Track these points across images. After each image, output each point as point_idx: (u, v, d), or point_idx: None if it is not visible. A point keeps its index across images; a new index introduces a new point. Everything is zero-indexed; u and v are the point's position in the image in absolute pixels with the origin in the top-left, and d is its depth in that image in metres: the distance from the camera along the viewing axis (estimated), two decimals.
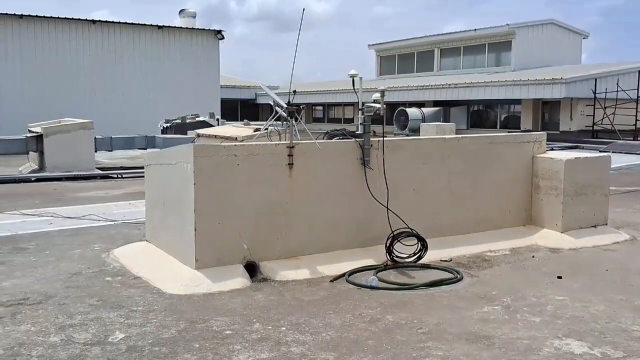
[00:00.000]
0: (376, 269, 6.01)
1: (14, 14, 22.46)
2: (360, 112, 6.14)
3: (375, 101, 6.16)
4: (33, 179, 13.98)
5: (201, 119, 21.39)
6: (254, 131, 10.73)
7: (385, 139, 6.39)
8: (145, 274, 5.95)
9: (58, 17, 23.38)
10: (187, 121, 21.13)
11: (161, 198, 6.54)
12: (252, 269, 5.86)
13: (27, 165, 15.65)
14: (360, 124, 6.14)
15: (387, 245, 6.15)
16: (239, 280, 5.64)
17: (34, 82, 22.87)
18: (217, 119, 21.93)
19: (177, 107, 23.44)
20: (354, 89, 6.12)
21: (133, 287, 5.58)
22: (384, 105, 6.06)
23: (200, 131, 12.69)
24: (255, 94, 43.67)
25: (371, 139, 6.25)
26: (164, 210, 6.47)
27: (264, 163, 5.90)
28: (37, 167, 15.04)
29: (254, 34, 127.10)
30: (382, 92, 6.01)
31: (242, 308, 4.97)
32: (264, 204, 5.92)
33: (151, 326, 4.54)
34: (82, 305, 5.00)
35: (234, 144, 6.27)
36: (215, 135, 11.16)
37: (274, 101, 9.83)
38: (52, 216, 9.10)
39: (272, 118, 10.09)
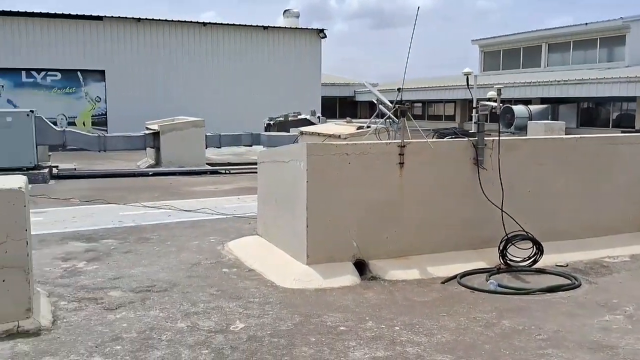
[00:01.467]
0: (489, 272, 5.88)
1: (132, 18, 23.96)
2: (474, 110, 6.02)
3: (490, 99, 6.02)
4: (150, 173, 14.87)
5: (303, 116, 21.79)
6: (357, 129, 10.82)
7: (500, 138, 6.23)
8: (258, 267, 6.18)
9: (172, 20, 24.66)
10: (290, 119, 21.60)
11: (273, 194, 6.76)
12: (361, 267, 5.92)
13: (144, 160, 16.66)
14: (475, 122, 6.02)
15: (501, 248, 6.00)
16: (349, 277, 5.72)
17: (149, 82, 24.27)
18: (319, 117, 22.24)
19: (280, 105, 24.01)
20: (468, 87, 6.00)
21: (248, 279, 5.81)
22: (501, 104, 5.91)
23: (304, 129, 12.93)
24: (354, 91, 43.81)
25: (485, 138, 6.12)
26: (276, 206, 6.68)
27: (374, 162, 5.95)
28: (153, 162, 15.97)
29: (353, 31, 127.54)
30: (499, 90, 5.86)
31: (354, 305, 5.04)
32: (373, 203, 5.96)
33: (268, 318, 4.72)
34: (204, 295, 5.28)
35: (345, 142, 6.36)
36: (319, 133, 11.33)
37: (377, 99, 9.84)
38: (170, 209, 9.65)
39: (375, 116, 10.10)
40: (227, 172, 15.71)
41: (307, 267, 5.76)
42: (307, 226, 5.74)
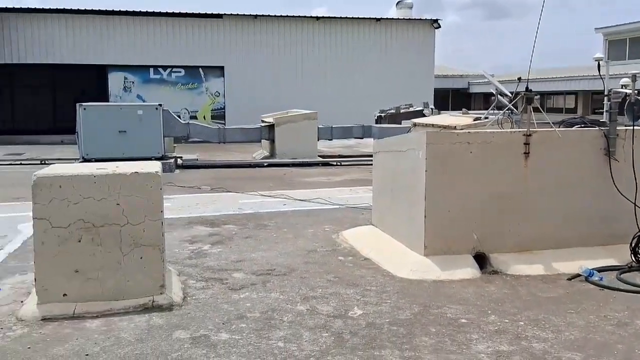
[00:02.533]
0: (619, 269, 5.51)
1: (249, 15, 24.79)
2: (606, 98, 5.64)
3: (623, 86, 5.62)
4: (265, 164, 15.37)
5: (415, 108, 21.52)
6: (474, 120, 10.50)
7: (635, 128, 5.79)
8: (374, 256, 6.19)
9: (286, 16, 25.24)
10: (401, 111, 21.40)
11: (389, 184, 6.74)
12: (480, 260, 5.76)
13: (259, 152, 17.23)
14: (606, 111, 5.65)
15: (633, 244, 5.60)
16: (469, 270, 5.58)
17: (265, 76, 24.98)
18: (431, 109, 21.85)
19: (392, 97, 23.88)
20: (599, 73, 5.64)
21: (364, 267, 5.84)
22: (636, 91, 5.49)
23: (417, 120, 12.75)
24: (468, 83, 42.57)
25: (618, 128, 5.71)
26: (391, 196, 6.65)
27: (498, 151, 5.74)
28: (268, 153, 16.48)
29: (466, 22, 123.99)
30: (634, 77, 5.45)
31: (475, 298, 4.92)
32: (496, 194, 5.76)
33: (386, 306, 4.72)
34: (321, 280, 5.38)
35: (467, 131, 6.20)
36: (432, 124, 11.12)
37: (497, 89, 9.47)
38: (285, 198, 9.92)
39: (493, 106, 9.73)
40: (338, 164, 15.88)
41: (424, 257, 5.70)
42: (425, 216, 5.66)
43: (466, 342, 4.00)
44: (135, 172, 4.55)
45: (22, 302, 4.76)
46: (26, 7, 23.06)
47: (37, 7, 23.36)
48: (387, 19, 27.08)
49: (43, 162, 15.36)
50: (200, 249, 6.53)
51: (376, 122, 20.66)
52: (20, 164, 15.58)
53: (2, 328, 4.27)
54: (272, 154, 16.15)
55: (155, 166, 4.78)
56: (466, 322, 4.37)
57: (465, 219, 5.73)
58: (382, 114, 21.69)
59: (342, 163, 15.96)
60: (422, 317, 4.49)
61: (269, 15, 25.17)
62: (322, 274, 5.58)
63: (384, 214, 6.97)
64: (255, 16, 25.02)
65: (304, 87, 25.27)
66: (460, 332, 4.19)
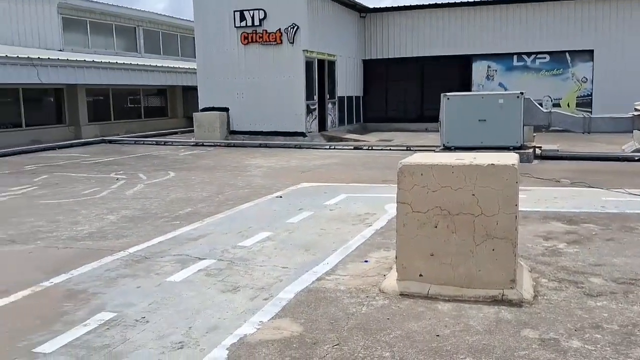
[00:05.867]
0: None
1: None
2: None
3: None
4: (636, 158, 13.68)
5: None
6: None
7: None
8: None
9: None
10: None
11: None
12: None
13: (630, 144, 15.41)
14: None
15: None
16: None
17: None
18: None
19: None
20: None
21: None
22: None
23: None
24: None
25: None
26: None
27: None
28: None
29: None
30: None
31: None
32: None
33: None
34: None
35: None
36: None
37: None
38: None
39: None
40: None
41: None
42: None
43: None
44: (492, 164, 4.59)
45: (384, 275, 5.32)
46: (400, 5, 25.22)
47: (407, 4, 25.29)
48: None
49: (408, 148, 16.73)
50: (555, 246, 6.23)
51: None
52: (390, 149, 17.25)
53: (367, 297, 4.86)
54: None
55: (512, 158, 4.74)
56: None
57: None
58: None
59: None
60: None
61: None
62: None
63: None
64: None
65: None
66: None
